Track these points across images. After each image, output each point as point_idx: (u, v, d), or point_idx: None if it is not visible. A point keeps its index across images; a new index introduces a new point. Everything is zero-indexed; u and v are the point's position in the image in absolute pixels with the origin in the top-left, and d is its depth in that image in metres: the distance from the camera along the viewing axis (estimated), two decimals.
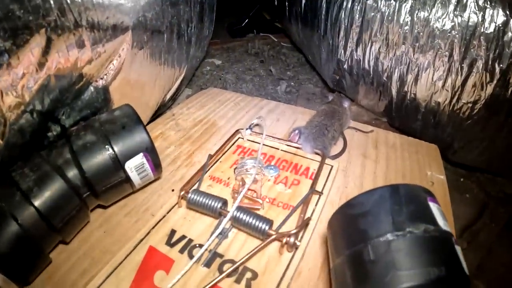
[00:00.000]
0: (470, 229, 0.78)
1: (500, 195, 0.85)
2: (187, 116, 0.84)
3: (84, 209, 0.49)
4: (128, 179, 0.51)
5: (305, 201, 0.53)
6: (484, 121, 0.73)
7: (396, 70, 0.80)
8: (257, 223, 0.46)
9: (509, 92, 0.67)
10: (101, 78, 0.61)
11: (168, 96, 0.90)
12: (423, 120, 0.81)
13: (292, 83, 1.21)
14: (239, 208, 0.48)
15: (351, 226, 0.35)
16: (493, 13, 0.64)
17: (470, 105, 0.72)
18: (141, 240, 0.47)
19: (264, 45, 1.48)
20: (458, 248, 0.31)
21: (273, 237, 0.45)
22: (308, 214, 0.52)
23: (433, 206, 0.33)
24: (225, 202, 0.50)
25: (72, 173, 0.48)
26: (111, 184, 0.50)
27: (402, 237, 0.30)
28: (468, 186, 0.88)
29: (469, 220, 0.80)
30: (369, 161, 0.68)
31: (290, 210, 0.52)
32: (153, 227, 0.49)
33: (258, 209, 0.52)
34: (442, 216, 0.33)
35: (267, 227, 0.45)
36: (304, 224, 0.48)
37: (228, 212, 0.48)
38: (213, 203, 0.49)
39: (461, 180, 0.89)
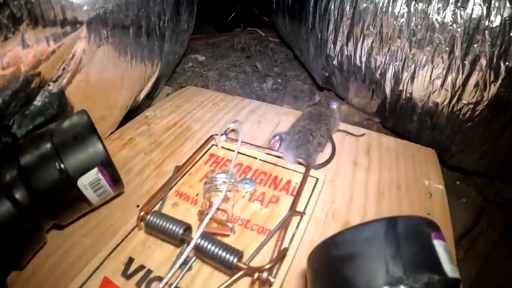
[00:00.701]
0: (467, 236, 0.73)
1: (498, 199, 0.80)
2: (161, 119, 0.76)
3: (37, 232, 0.44)
4: (83, 197, 0.45)
5: (284, 225, 0.44)
6: (486, 123, 0.66)
7: (391, 66, 0.71)
8: (223, 254, 0.39)
9: None
10: (54, 81, 0.55)
11: (141, 96, 0.81)
12: (419, 121, 0.73)
13: (279, 80, 1.12)
14: (204, 235, 0.41)
15: (334, 271, 0.28)
16: (499, 5, 0.57)
17: (471, 106, 0.65)
18: (96, 269, 0.41)
19: (251, 40, 1.39)
20: None
21: (241, 272, 0.38)
22: (287, 240, 0.44)
23: (438, 245, 0.27)
24: (188, 228, 0.43)
25: (20, 192, 0.42)
26: (64, 203, 0.45)
27: None
28: (465, 190, 0.83)
29: (466, 227, 0.75)
30: (360, 170, 0.61)
31: (266, 236, 0.44)
32: (110, 253, 0.43)
33: (227, 235, 0.45)
34: (448, 257, 0.27)
35: (235, 260, 0.38)
36: (279, 257, 0.40)
37: (192, 239, 0.41)
38: (173, 229, 0.42)
39: (457, 183, 0.84)
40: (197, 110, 0.79)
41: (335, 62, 0.83)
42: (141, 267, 0.41)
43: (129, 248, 0.43)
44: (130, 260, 0.42)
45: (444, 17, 0.62)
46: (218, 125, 0.73)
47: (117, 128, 0.74)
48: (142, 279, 0.40)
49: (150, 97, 0.91)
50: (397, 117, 0.78)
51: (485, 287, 0.63)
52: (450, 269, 0.25)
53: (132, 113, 0.80)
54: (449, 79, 0.64)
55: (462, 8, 0.60)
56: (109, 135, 0.71)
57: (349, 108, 0.90)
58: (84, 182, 0.44)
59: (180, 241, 0.42)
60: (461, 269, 0.66)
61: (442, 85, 0.66)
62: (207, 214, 0.43)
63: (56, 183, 0.43)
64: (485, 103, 0.63)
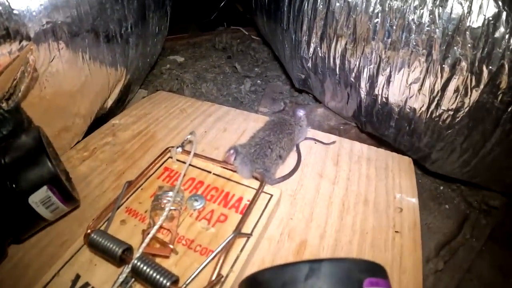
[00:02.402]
0: (448, 245, 0.67)
1: (483, 206, 0.74)
2: (127, 127, 0.69)
3: None
4: (36, 215, 0.44)
5: (225, 247, 0.39)
6: (467, 131, 0.58)
7: (365, 69, 0.64)
8: (157, 277, 0.36)
9: (499, 99, 0.52)
10: (7, 99, 0.53)
11: (109, 103, 0.74)
12: (396, 127, 0.66)
13: (258, 81, 1.04)
14: (143, 257, 0.38)
15: None
16: (481, 3, 0.49)
17: (451, 112, 0.57)
18: (46, 285, 0.39)
19: (233, 39, 1.30)
20: None
21: None
22: (230, 263, 0.39)
23: None
24: (128, 248, 0.40)
25: None
26: (18, 220, 0.44)
27: None
28: (448, 196, 0.77)
29: (447, 235, 0.69)
30: (325, 183, 0.54)
31: (207, 258, 0.39)
32: (60, 269, 0.40)
33: (167, 256, 0.41)
34: None
35: (168, 284, 0.35)
36: (213, 284, 0.36)
37: (132, 259, 0.38)
38: (113, 248, 0.39)
39: (440, 188, 0.78)
40: (164, 117, 0.71)
41: (309, 64, 0.75)
42: (86, 284, 0.39)
43: (77, 264, 0.41)
44: (77, 277, 0.40)
45: (421, 16, 0.54)
46: (182, 133, 0.66)
47: (84, 137, 0.68)
48: None
49: (122, 103, 0.83)
50: (374, 122, 0.70)
51: None
52: None
53: (102, 120, 0.74)
54: (427, 83, 0.57)
55: (441, 7, 0.52)
56: (74, 145, 0.65)
57: (325, 111, 0.82)
58: (35, 200, 0.43)
59: (120, 261, 0.39)
60: (439, 281, 0.60)
61: (419, 90, 0.58)
62: (148, 234, 0.40)
63: (8, 201, 0.42)
64: (466, 109, 0.55)
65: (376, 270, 0.24)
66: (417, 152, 0.67)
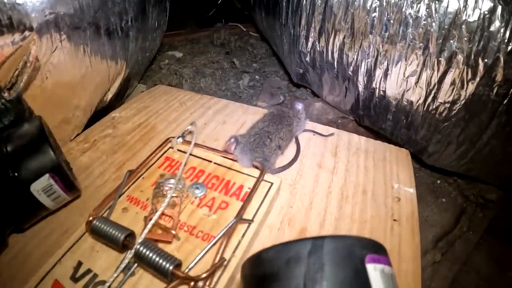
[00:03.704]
0: (445, 238, 0.68)
1: (480, 200, 0.74)
2: (127, 120, 0.69)
3: None
4: (37, 203, 0.44)
5: (227, 232, 0.40)
6: (464, 123, 0.59)
7: (363, 63, 0.65)
8: (160, 261, 0.36)
9: (495, 91, 0.53)
10: (9, 89, 0.53)
11: (109, 97, 0.75)
12: (394, 120, 0.67)
13: (256, 76, 1.04)
14: (145, 242, 0.38)
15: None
16: None
17: (447, 105, 0.58)
18: (48, 272, 0.39)
19: (231, 36, 1.30)
20: None
21: (177, 281, 0.36)
22: (232, 248, 0.40)
23: (372, 269, 0.22)
24: (130, 234, 0.40)
25: None
26: (19, 209, 0.44)
27: None
28: (445, 190, 0.77)
29: (445, 228, 0.70)
30: (324, 173, 0.55)
31: (209, 243, 0.40)
32: (62, 256, 0.41)
33: (169, 242, 0.41)
34: (385, 284, 0.22)
35: (170, 267, 0.36)
36: (216, 267, 0.37)
37: (134, 245, 0.38)
38: (115, 234, 0.40)
39: (437, 182, 0.78)
40: (163, 109, 0.72)
41: (307, 58, 0.75)
42: (88, 271, 0.40)
43: (79, 252, 0.41)
44: (79, 264, 0.40)
45: (418, 11, 0.55)
46: (182, 125, 0.66)
47: (84, 130, 0.68)
48: (89, 283, 0.38)
49: (121, 97, 0.84)
50: (372, 116, 0.71)
51: None
52: None
53: (101, 114, 0.74)
54: (424, 76, 0.58)
55: (437, 2, 0.53)
56: (74, 137, 0.66)
57: (324, 105, 0.83)
58: (37, 188, 0.43)
59: (122, 247, 0.39)
60: (437, 273, 0.61)
61: (416, 83, 0.59)
62: (150, 220, 0.40)
63: (10, 190, 0.42)
64: (463, 102, 0.56)
65: (377, 247, 0.24)
66: (414, 145, 0.67)
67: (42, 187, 0.43)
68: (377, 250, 0.24)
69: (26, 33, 0.51)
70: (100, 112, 0.74)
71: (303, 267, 0.22)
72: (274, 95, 0.91)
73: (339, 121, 0.80)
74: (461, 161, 0.66)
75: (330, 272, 0.21)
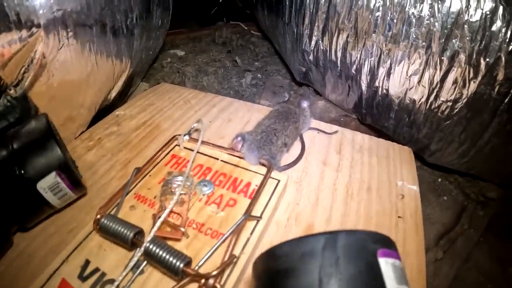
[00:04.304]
0: (447, 235, 0.69)
1: (480, 198, 0.76)
2: (131, 118, 0.70)
3: (1, 235, 0.43)
4: (43, 201, 0.44)
5: (236, 230, 0.40)
6: (465, 121, 0.60)
7: (366, 62, 0.66)
8: (170, 259, 0.36)
9: (496, 90, 0.54)
10: (15, 86, 0.53)
11: (113, 95, 0.76)
12: (396, 118, 0.68)
13: (259, 75, 1.05)
14: (155, 239, 0.38)
15: (271, 285, 0.25)
16: None
17: (450, 103, 0.60)
18: (55, 271, 0.39)
19: (233, 34, 1.32)
20: None
21: (187, 278, 0.35)
22: (240, 245, 0.40)
23: (384, 263, 0.23)
24: (139, 232, 0.40)
25: None
26: (25, 207, 0.44)
27: None
28: (446, 188, 0.78)
29: (446, 225, 0.71)
30: (329, 170, 0.56)
31: (218, 240, 0.40)
32: (68, 256, 0.40)
33: (179, 239, 0.41)
34: (397, 277, 0.22)
35: (181, 265, 0.36)
36: (226, 264, 0.37)
37: (143, 243, 0.38)
38: (124, 232, 0.39)
39: (438, 180, 0.80)
40: (168, 107, 0.72)
41: (311, 57, 0.77)
42: (96, 269, 0.39)
43: (86, 250, 0.41)
44: (87, 263, 0.40)
45: (421, 10, 0.56)
46: (187, 123, 0.67)
47: (88, 127, 0.69)
48: (97, 282, 0.38)
49: (125, 95, 0.85)
50: (374, 114, 0.72)
51: None
52: None
53: (105, 112, 0.74)
54: (427, 75, 0.59)
55: (440, 2, 0.55)
56: (78, 135, 0.66)
57: (326, 104, 0.84)
58: (43, 186, 0.43)
59: (131, 245, 0.39)
60: (439, 269, 0.62)
61: (419, 82, 0.61)
62: (159, 217, 0.40)
63: (16, 188, 0.42)
64: (464, 100, 0.58)
65: (387, 241, 0.25)
66: (416, 144, 0.69)
67: (49, 185, 0.43)
68: (388, 244, 0.24)
69: (34, 29, 0.51)
70: (103, 111, 0.74)
71: (318, 262, 0.22)
72: (276, 94, 0.92)
73: (342, 119, 0.81)
74: (462, 160, 0.67)
75: (345, 266, 0.22)
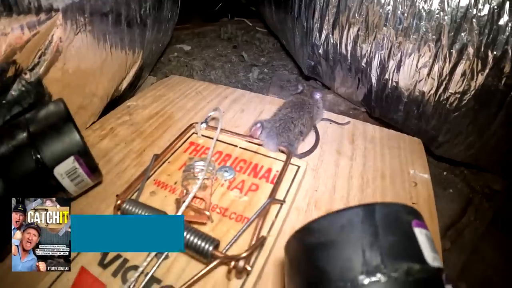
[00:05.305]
0: (454, 227, 0.71)
1: (486, 190, 0.78)
2: (143, 108, 0.72)
3: None
4: (60, 187, 0.43)
5: (262, 213, 0.41)
6: (473, 113, 0.63)
7: (377, 55, 0.68)
8: (198, 242, 0.36)
9: (503, 82, 0.57)
10: (31, 70, 0.53)
11: (124, 85, 0.78)
12: (405, 111, 0.71)
13: (265, 70, 1.08)
14: None
15: (309, 260, 0.26)
16: None
17: (458, 95, 0.62)
18: (73, 259, 0.39)
19: (238, 30, 1.35)
20: None
21: (217, 261, 0.36)
22: (266, 228, 0.41)
23: (419, 233, 0.25)
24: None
25: None
26: (41, 193, 0.41)
27: (376, 283, 0.22)
28: (452, 181, 0.80)
29: (453, 217, 0.73)
30: (344, 159, 0.58)
31: (244, 224, 0.41)
32: None
33: (204, 223, 0.42)
34: (430, 246, 0.24)
35: (210, 248, 0.36)
36: (256, 246, 0.38)
37: None
38: None
39: (444, 174, 0.82)
40: (179, 99, 0.75)
41: (320, 51, 0.79)
42: (118, 256, 0.39)
43: None
44: None
45: (431, 4, 0.59)
46: (201, 113, 0.69)
47: (99, 118, 0.70)
48: (119, 268, 0.38)
49: (134, 87, 0.87)
50: (383, 106, 0.75)
51: (471, 279, 0.61)
52: (432, 258, 0.23)
53: (114, 103, 0.77)
54: (436, 68, 0.62)
55: None
56: (90, 124, 0.68)
57: (335, 97, 0.87)
58: (61, 171, 0.42)
59: None
60: (447, 260, 0.64)
61: (428, 74, 0.63)
62: (184, 202, 0.41)
63: (32, 172, 0.41)
64: (472, 92, 0.60)
65: (418, 214, 0.27)
66: (424, 136, 0.70)
67: (66, 171, 0.43)
68: (419, 216, 0.26)
69: (52, 13, 0.51)
70: (113, 102, 0.76)
71: (358, 233, 0.24)
72: (284, 88, 0.95)
73: (351, 112, 0.84)
74: (469, 151, 0.69)
75: (384, 237, 0.24)
